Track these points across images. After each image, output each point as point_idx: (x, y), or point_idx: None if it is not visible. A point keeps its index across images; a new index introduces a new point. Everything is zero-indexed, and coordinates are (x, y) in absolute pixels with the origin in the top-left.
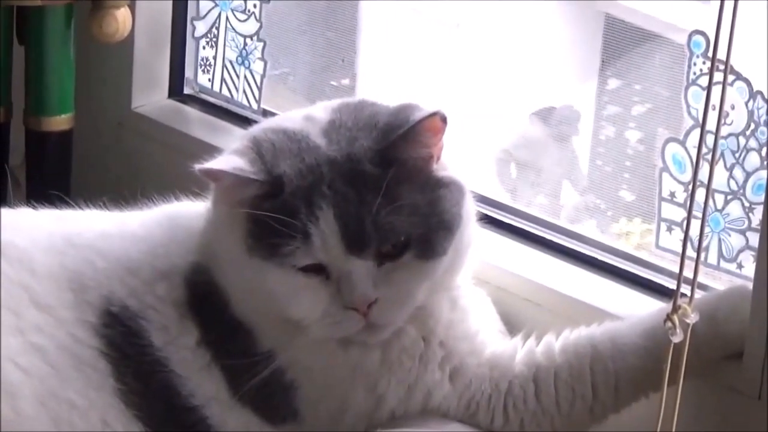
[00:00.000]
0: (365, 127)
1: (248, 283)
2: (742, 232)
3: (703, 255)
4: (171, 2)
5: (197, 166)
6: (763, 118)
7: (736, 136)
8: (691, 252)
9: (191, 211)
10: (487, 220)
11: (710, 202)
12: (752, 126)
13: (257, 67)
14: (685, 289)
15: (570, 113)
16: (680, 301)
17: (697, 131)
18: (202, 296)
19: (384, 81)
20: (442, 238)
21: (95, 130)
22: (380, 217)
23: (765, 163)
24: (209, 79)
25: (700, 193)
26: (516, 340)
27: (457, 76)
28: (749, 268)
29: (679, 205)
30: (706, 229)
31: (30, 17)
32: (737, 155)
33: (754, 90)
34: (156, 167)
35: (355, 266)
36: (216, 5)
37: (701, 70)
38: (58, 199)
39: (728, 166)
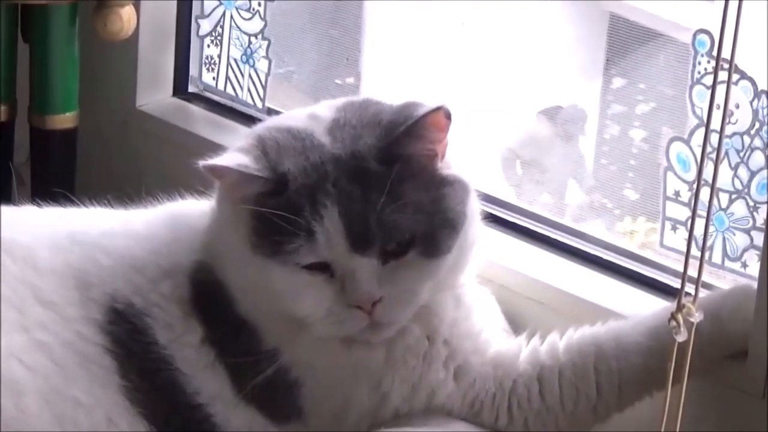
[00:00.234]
0: (369, 125)
1: (252, 281)
2: (747, 231)
3: (707, 254)
4: (176, 0)
5: (202, 163)
6: None
7: (741, 135)
8: (695, 251)
9: (195, 209)
10: (492, 219)
11: (715, 201)
12: (757, 125)
13: (262, 65)
14: (690, 288)
15: (577, 113)
16: (684, 300)
17: (702, 130)
18: (207, 294)
19: (388, 79)
20: (447, 237)
21: (100, 128)
22: (384, 215)
23: None
24: (214, 78)
25: (705, 192)
26: (520, 339)
27: (461, 75)
28: (753, 267)
29: (683, 204)
30: (711, 228)
31: (35, 15)
32: (742, 154)
33: (759, 89)
34: (160, 165)
35: (359, 264)
36: (221, 4)
37: (706, 69)
38: (62, 197)
39: (733, 165)
